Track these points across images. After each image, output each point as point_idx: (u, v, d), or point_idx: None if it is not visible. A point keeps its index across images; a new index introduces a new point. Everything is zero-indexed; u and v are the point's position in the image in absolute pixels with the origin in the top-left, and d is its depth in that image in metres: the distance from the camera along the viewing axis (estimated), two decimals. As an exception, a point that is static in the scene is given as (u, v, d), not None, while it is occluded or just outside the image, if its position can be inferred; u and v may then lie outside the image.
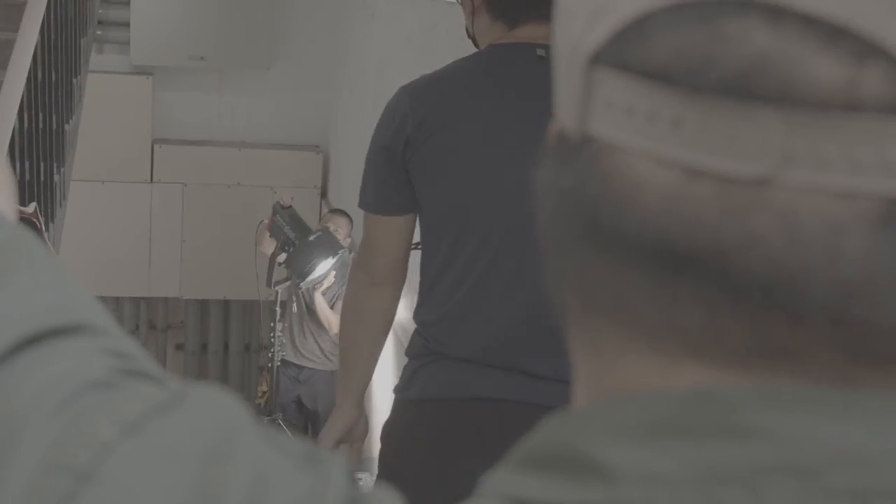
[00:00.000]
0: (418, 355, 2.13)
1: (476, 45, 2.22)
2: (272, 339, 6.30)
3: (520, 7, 2.04)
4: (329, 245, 5.64)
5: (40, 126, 4.08)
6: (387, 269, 2.20)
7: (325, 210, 7.57)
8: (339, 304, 5.76)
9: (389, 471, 2.13)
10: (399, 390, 2.18)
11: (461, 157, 2.03)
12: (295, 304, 6.07)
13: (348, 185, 6.98)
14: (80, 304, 0.48)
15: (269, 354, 6.37)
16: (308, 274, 5.60)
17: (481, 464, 0.45)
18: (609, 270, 0.39)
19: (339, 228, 5.86)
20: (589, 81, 0.38)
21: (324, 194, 7.66)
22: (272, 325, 6.30)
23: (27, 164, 3.78)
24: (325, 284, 5.78)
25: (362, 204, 2.20)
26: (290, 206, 5.87)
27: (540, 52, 2.01)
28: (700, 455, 0.35)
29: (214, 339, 8.07)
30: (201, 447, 0.40)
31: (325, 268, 5.62)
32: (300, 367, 6.04)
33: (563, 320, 0.43)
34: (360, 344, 2.28)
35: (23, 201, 3.58)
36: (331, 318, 5.76)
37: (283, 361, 6.19)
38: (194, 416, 0.42)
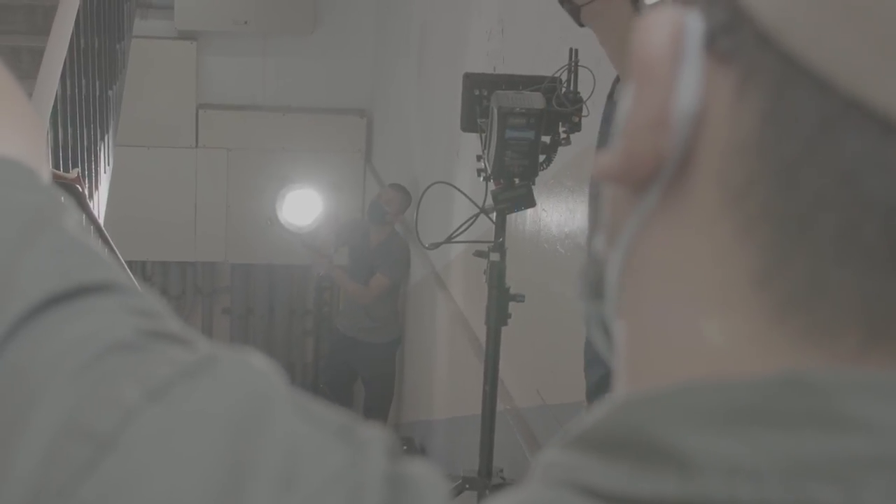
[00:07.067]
0: None
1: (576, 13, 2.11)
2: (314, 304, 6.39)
3: None
4: None
5: (83, 92, 4.10)
6: None
7: (368, 174, 7.57)
8: (376, 279, 5.87)
9: None
10: None
11: None
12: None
13: (392, 149, 6.96)
14: (107, 264, 0.46)
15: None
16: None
17: None
18: None
19: (390, 201, 5.88)
20: None
21: (368, 158, 7.66)
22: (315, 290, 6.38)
23: (69, 130, 3.80)
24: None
25: None
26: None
27: None
28: (789, 446, 0.32)
29: (260, 303, 8.12)
30: (231, 416, 0.38)
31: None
32: (349, 337, 6.12)
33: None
34: None
35: (66, 167, 3.60)
36: (349, 289, 5.88)
37: (335, 329, 6.30)
38: (224, 382, 0.39)
